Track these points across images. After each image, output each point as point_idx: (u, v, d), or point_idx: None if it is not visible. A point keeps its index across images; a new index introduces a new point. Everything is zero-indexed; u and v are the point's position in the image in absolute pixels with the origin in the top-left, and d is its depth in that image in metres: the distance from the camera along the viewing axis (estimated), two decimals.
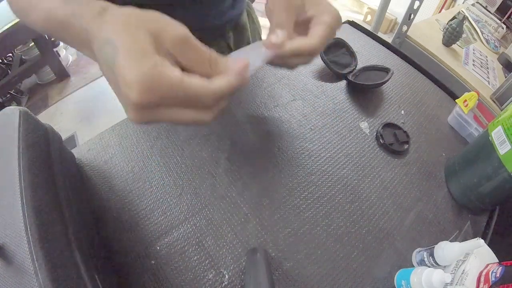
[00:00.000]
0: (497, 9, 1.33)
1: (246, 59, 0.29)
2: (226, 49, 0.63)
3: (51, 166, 0.37)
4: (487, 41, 1.24)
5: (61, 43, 2.42)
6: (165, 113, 0.25)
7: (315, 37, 0.35)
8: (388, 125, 0.53)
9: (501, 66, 1.15)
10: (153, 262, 0.38)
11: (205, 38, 0.64)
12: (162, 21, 0.25)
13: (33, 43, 1.95)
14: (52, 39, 2.22)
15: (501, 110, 0.51)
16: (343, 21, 0.79)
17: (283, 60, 0.36)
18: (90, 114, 1.90)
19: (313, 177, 0.46)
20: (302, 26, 0.37)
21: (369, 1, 2.70)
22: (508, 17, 1.29)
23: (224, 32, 0.61)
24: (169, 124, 0.44)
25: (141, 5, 0.42)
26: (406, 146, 0.51)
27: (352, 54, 0.63)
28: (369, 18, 2.67)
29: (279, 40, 0.33)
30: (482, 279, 0.33)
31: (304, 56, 0.35)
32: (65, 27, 0.29)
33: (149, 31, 0.24)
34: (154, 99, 0.23)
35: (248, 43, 0.68)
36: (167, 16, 0.27)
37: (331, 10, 0.37)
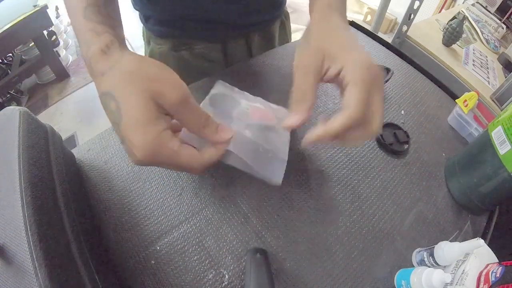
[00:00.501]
0: (497, 9, 1.33)
1: (233, 130, 0.32)
2: (246, 50, 0.62)
3: (51, 166, 0.37)
4: (487, 41, 1.24)
5: (61, 43, 2.42)
6: (162, 166, 0.30)
7: (346, 106, 0.30)
8: (388, 125, 0.53)
9: (501, 66, 1.15)
10: (153, 262, 0.38)
11: (222, 34, 0.63)
12: (162, 80, 0.27)
13: (33, 43, 1.95)
14: (52, 39, 2.22)
15: (501, 110, 0.51)
16: None
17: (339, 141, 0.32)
18: (90, 114, 1.90)
19: (313, 177, 0.46)
20: (334, 80, 0.33)
21: (369, 1, 2.70)
22: (508, 17, 1.29)
23: (247, 33, 0.60)
24: None
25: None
26: (406, 146, 0.51)
27: None
28: (369, 18, 2.67)
29: (296, 123, 0.32)
30: (482, 279, 0.33)
31: (353, 133, 0.31)
32: (78, 35, 0.31)
33: (151, 93, 0.26)
34: (154, 162, 0.28)
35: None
36: (167, 71, 0.29)
37: (358, 63, 0.31)
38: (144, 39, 0.63)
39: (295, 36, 0.64)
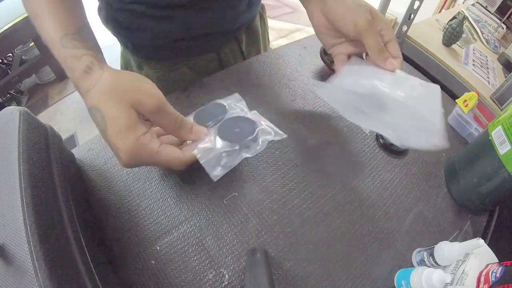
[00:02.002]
0: (497, 9, 1.33)
1: (205, 128, 0.39)
2: (238, 52, 0.62)
3: (51, 166, 0.37)
4: (487, 41, 1.24)
5: None
6: (148, 165, 0.36)
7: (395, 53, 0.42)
8: None
9: (501, 66, 1.14)
10: (153, 262, 0.38)
11: (218, 42, 0.64)
12: (139, 91, 0.32)
13: (33, 43, 1.95)
14: None
15: (501, 110, 0.52)
16: None
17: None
18: None
19: (313, 177, 0.46)
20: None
21: (369, 1, 2.70)
22: (508, 17, 1.29)
23: (238, 35, 0.60)
24: None
25: (158, 8, 0.46)
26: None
27: None
28: None
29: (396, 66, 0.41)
30: (482, 279, 0.33)
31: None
32: (61, 62, 0.34)
33: (130, 103, 0.31)
34: (139, 162, 0.33)
35: (259, 47, 0.67)
36: (143, 81, 0.33)
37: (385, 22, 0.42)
38: (125, 64, 0.62)
39: (295, 36, 0.63)
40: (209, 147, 0.37)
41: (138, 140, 0.31)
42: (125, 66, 0.62)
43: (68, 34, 0.34)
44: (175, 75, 0.59)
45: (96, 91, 0.31)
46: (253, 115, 0.43)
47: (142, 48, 0.56)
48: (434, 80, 0.66)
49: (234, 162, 0.38)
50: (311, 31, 0.50)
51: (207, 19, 0.52)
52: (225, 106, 0.44)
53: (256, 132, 0.39)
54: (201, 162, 0.36)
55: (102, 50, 0.37)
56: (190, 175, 0.45)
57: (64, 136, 0.45)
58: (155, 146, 0.33)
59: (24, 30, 1.72)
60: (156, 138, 0.34)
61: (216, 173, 0.37)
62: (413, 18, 1.06)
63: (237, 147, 0.38)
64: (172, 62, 0.58)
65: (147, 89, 0.32)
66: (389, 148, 0.50)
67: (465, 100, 0.55)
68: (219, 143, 0.38)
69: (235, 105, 0.45)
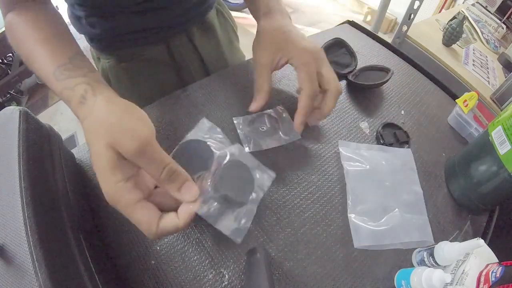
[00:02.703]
0: (497, 9, 1.33)
1: (195, 205, 0.30)
2: (189, 45, 0.62)
3: (51, 166, 0.37)
4: (487, 41, 1.24)
5: None
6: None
7: (303, 88, 0.42)
8: (388, 125, 0.53)
9: (501, 66, 1.14)
10: (153, 262, 0.38)
11: (166, 35, 0.65)
12: (121, 129, 0.28)
13: None
14: None
15: (501, 110, 0.51)
16: (342, 21, 0.79)
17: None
18: None
19: (313, 177, 0.46)
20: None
21: (369, 1, 2.70)
22: (508, 17, 1.29)
23: (187, 28, 0.60)
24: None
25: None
26: (406, 146, 0.51)
27: (352, 54, 0.63)
28: (369, 18, 2.67)
29: (258, 107, 0.45)
30: (482, 279, 0.33)
31: (312, 103, 0.43)
32: (59, 96, 0.34)
33: (110, 142, 0.28)
34: (118, 208, 0.28)
35: (218, 42, 0.66)
36: (129, 116, 0.30)
37: (300, 51, 0.43)
38: (93, 59, 0.63)
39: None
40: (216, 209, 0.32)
41: (114, 187, 0.27)
42: (92, 57, 0.64)
43: (61, 65, 0.33)
44: (127, 66, 0.59)
45: (86, 124, 0.30)
46: (245, 154, 0.37)
47: (94, 40, 0.57)
48: (434, 80, 0.66)
49: (249, 217, 0.34)
50: (311, 31, 0.51)
51: (153, 15, 0.53)
52: (209, 146, 0.37)
53: (254, 183, 0.36)
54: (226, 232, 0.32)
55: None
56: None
57: (64, 136, 0.45)
58: (132, 200, 0.27)
59: None
60: (137, 189, 0.28)
61: (240, 239, 0.33)
62: (413, 18, 1.06)
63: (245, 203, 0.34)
64: (123, 53, 0.58)
65: (130, 127, 0.28)
66: None
67: (465, 100, 0.55)
68: (222, 202, 0.33)
69: (214, 139, 0.39)
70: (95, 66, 0.64)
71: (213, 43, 0.65)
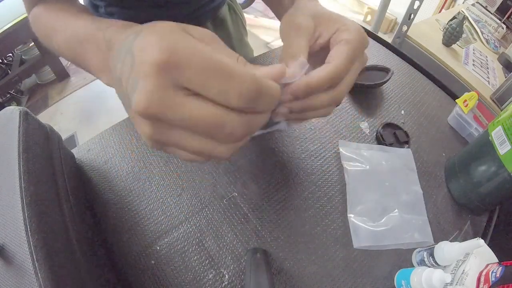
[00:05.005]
0: (497, 9, 1.33)
1: (283, 66, 0.23)
2: None
3: (51, 166, 0.37)
4: (487, 41, 1.24)
5: None
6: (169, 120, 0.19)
7: (334, 59, 0.27)
8: (388, 125, 0.53)
9: (501, 66, 1.14)
10: (153, 262, 0.38)
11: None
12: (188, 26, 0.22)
13: (33, 43, 1.95)
14: None
15: (501, 110, 0.51)
16: None
17: (301, 109, 0.28)
18: (90, 114, 1.90)
19: (313, 177, 0.46)
20: (320, 54, 0.30)
21: (369, 1, 2.70)
22: (508, 17, 1.29)
23: (201, 22, 0.60)
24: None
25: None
26: (406, 146, 0.51)
27: None
28: (369, 18, 2.67)
29: (282, 71, 0.23)
30: (482, 279, 0.33)
31: (326, 92, 0.28)
32: (85, 43, 0.30)
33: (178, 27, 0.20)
34: (176, 72, 0.17)
35: (229, 37, 0.67)
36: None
37: (351, 26, 0.30)
38: None
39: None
40: None
41: (180, 32, 0.19)
42: None
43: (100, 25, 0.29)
44: None
45: (139, 30, 0.21)
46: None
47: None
48: (434, 80, 0.66)
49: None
50: None
51: (171, 8, 0.53)
52: None
53: None
54: None
55: None
56: (190, 175, 0.45)
57: (64, 136, 0.45)
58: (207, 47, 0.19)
59: (24, 30, 1.72)
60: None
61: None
62: (413, 18, 1.06)
63: None
64: None
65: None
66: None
67: (465, 100, 0.55)
68: None
69: None
70: None
71: (225, 38, 0.66)
